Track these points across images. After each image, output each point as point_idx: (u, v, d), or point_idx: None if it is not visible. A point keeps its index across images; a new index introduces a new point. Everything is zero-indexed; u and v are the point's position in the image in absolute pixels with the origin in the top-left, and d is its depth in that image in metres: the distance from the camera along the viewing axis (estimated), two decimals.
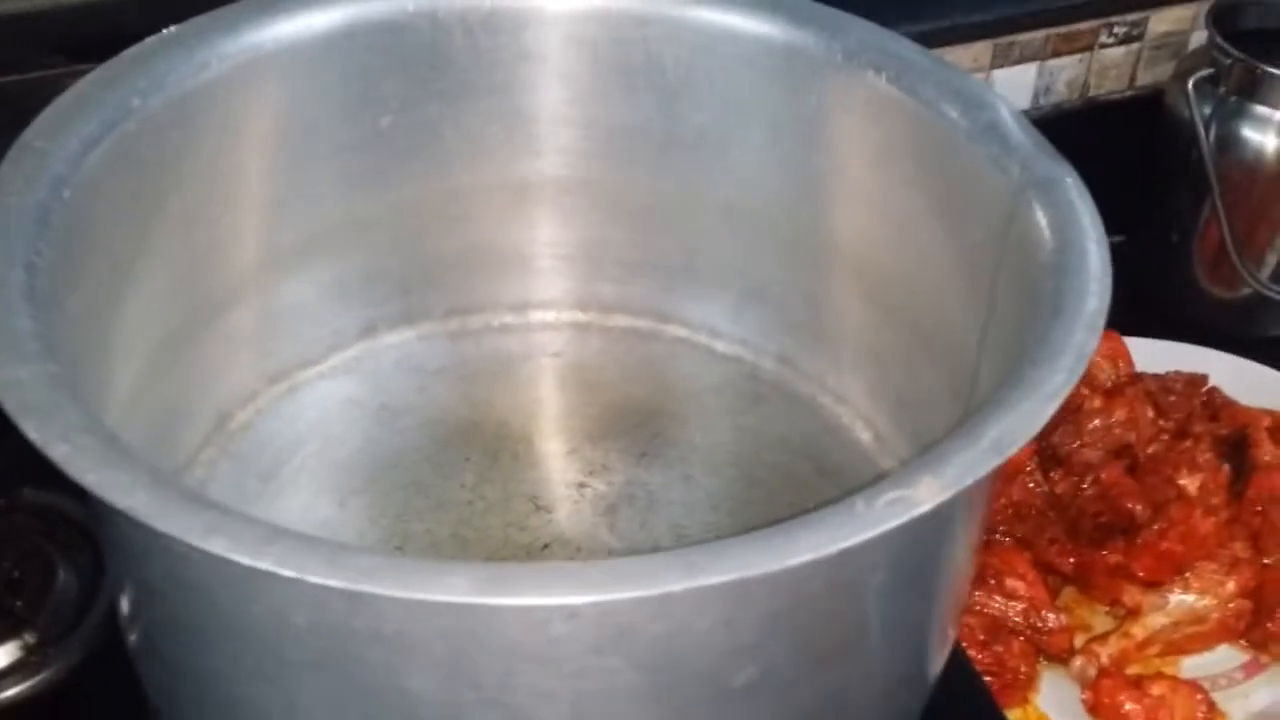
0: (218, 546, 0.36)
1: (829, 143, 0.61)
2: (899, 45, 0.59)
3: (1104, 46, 0.89)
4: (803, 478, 0.65)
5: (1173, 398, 0.82)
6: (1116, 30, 0.89)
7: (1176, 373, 0.83)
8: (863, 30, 0.60)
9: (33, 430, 0.39)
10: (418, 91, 0.63)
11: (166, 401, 0.60)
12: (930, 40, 0.83)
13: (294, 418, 0.66)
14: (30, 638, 0.61)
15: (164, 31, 0.57)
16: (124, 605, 0.51)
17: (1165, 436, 0.79)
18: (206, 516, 0.37)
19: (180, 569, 0.42)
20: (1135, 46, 0.90)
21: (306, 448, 0.65)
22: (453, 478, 0.64)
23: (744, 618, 0.40)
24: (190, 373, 0.61)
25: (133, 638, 0.51)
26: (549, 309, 0.70)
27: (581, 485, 0.65)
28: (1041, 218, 0.51)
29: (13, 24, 0.73)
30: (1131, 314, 0.82)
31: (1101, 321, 0.46)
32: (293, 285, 0.64)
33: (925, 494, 0.39)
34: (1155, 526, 0.72)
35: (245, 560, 0.36)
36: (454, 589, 0.36)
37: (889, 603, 0.45)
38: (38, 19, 0.74)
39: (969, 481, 0.39)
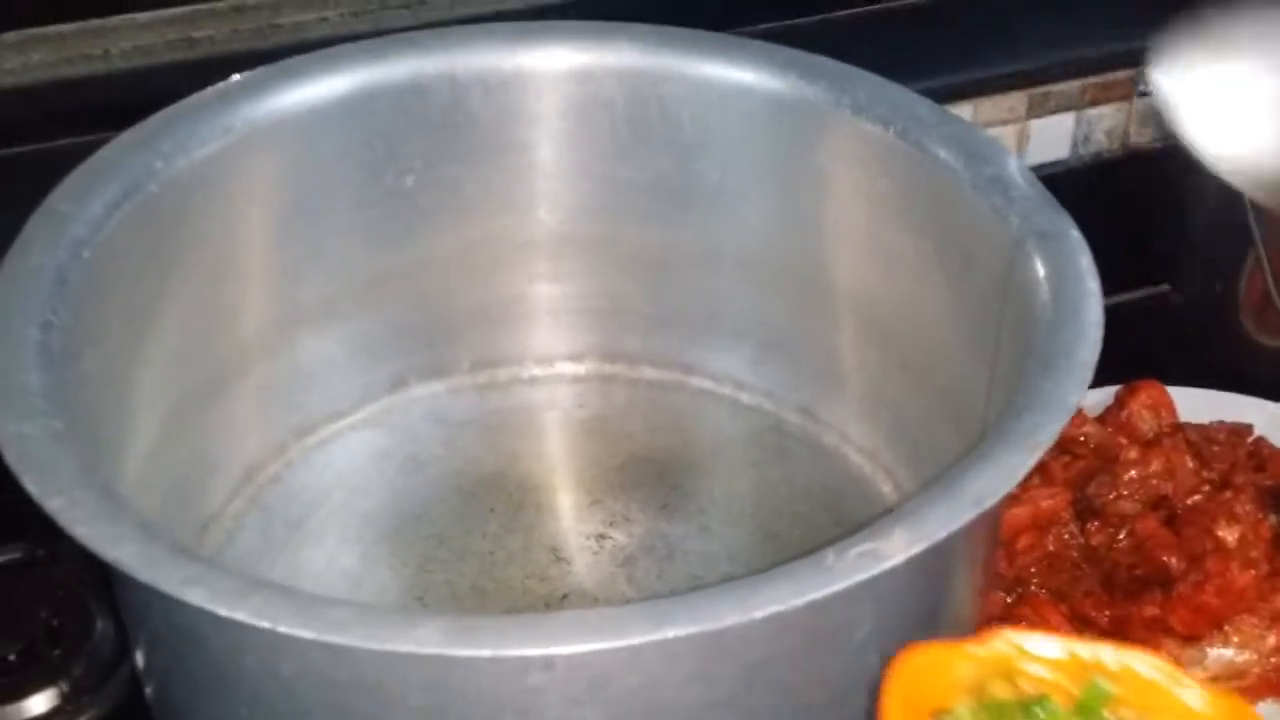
0: (196, 597, 0.38)
1: (839, 195, 0.62)
2: (907, 99, 0.59)
3: (1143, 95, 0.89)
4: (820, 529, 0.65)
5: (1215, 448, 0.80)
6: None
7: (1220, 422, 0.82)
8: (872, 85, 0.60)
9: (31, 484, 0.41)
10: (439, 151, 0.64)
11: (193, 455, 0.62)
12: (964, 91, 0.84)
13: (322, 469, 0.67)
14: (65, 686, 0.63)
15: (192, 96, 0.59)
16: (139, 657, 0.52)
17: (1207, 488, 0.78)
18: (189, 569, 0.38)
19: (179, 621, 0.44)
20: None
21: (333, 499, 0.66)
22: (476, 529, 0.65)
23: (720, 671, 0.40)
24: (217, 427, 0.63)
25: (149, 689, 0.53)
26: (576, 361, 0.71)
27: (602, 536, 0.65)
28: (1040, 270, 0.51)
29: (69, 89, 0.77)
30: (1176, 363, 0.81)
31: (1089, 374, 0.46)
32: (319, 340, 0.66)
33: (896, 547, 0.39)
34: (1192, 579, 0.71)
35: (223, 611, 0.37)
36: (423, 640, 0.36)
37: (878, 656, 0.45)
38: (91, 84, 0.77)
39: (943, 535, 0.39)
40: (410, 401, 0.69)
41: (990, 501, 0.41)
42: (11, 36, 0.77)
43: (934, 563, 0.42)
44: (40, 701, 0.63)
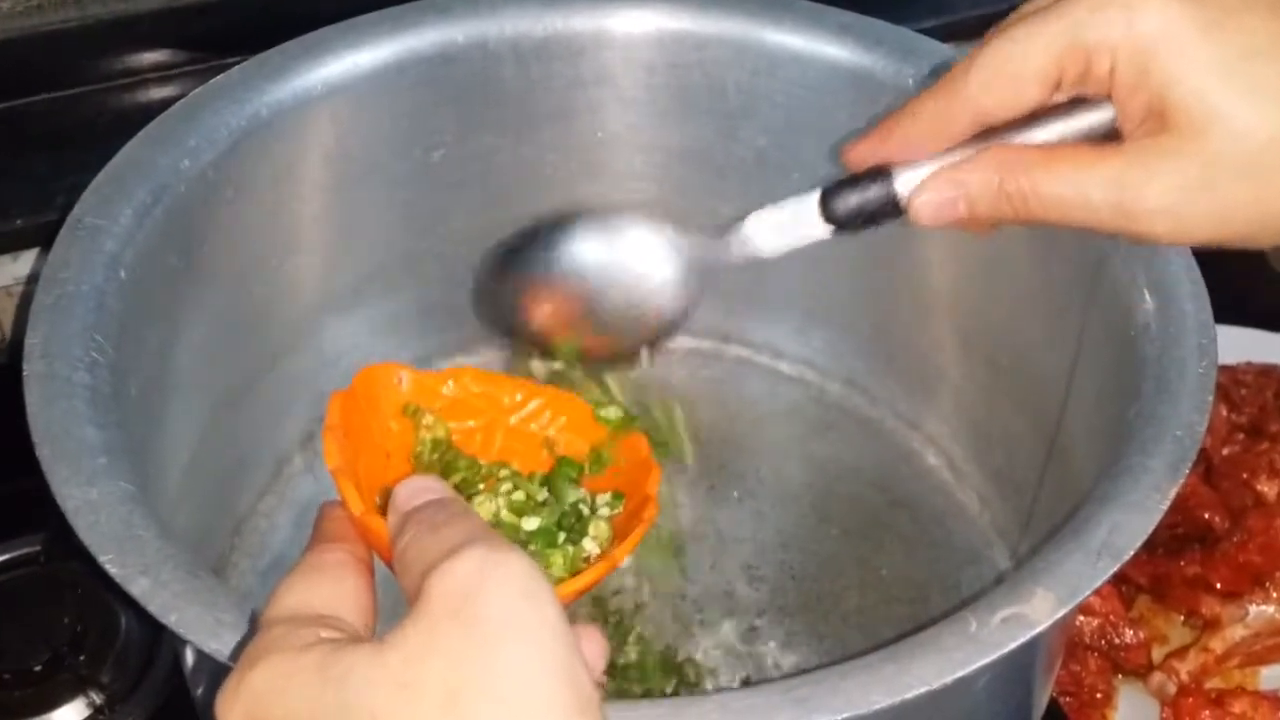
0: None
1: None
2: None
3: None
4: (876, 510, 0.63)
5: (1244, 391, 0.79)
6: None
7: (1248, 363, 0.81)
8: (936, 54, 0.57)
9: (111, 565, 0.38)
10: (470, 123, 0.60)
11: (227, 457, 0.58)
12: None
13: None
14: (97, 697, 0.60)
15: (211, 82, 0.55)
16: (188, 658, 0.49)
17: (1240, 435, 0.77)
18: None
19: None
20: None
21: None
22: None
23: None
24: (250, 422, 0.60)
25: (198, 692, 0.50)
26: None
27: None
28: (1137, 268, 0.49)
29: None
30: None
31: (1209, 396, 0.44)
32: (348, 324, 0.63)
33: (1041, 610, 0.37)
34: (1235, 539, 0.71)
35: None
36: None
37: (993, 693, 0.43)
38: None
39: (1086, 594, 0.38)
40: None
41: (1129, 551, 0.39)
42: None
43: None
44: (70, 713, 0.60)
